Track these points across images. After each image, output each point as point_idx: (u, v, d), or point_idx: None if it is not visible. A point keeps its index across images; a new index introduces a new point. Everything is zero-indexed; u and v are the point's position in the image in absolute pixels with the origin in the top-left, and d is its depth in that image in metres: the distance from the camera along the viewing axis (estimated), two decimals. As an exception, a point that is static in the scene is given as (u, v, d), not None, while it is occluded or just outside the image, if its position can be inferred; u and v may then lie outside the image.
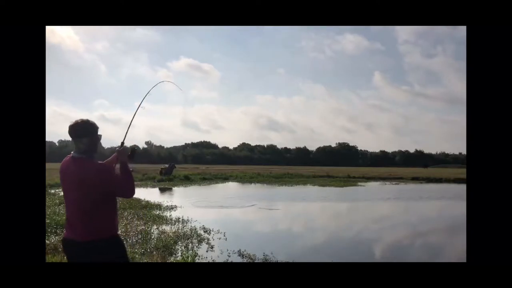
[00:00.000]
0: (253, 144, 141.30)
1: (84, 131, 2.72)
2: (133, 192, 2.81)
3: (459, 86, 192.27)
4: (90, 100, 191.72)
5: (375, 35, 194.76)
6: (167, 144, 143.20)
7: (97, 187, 2.66)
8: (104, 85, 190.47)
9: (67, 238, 2.78)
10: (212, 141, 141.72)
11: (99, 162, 2.83)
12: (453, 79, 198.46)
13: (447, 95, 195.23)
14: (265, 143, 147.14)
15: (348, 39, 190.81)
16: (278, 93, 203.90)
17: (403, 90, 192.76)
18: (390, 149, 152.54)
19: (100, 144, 2.87)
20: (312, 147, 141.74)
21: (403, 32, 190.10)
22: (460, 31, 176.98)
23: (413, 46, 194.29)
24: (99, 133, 2.82)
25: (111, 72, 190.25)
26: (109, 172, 2.73)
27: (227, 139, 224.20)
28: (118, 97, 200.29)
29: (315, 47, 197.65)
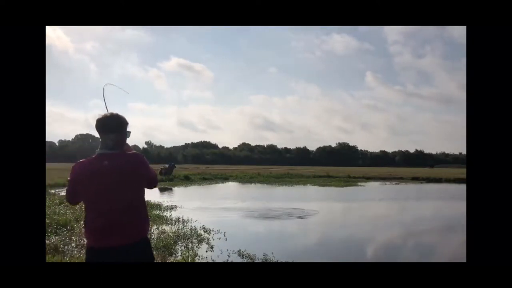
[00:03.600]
0: (252, 144, 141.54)
1: (114, 126, 2.50)
2: (157, 184, 2.73)
3: (451, 86, 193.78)
4: (85, 100, 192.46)
5: (364, 35, 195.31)
6: (164, 144, 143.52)
7: (142, 178, 2.52)
8: (97, 85, 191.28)
9: (106, 247, 2.45)
10: (211, 141, 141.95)
11: (135, 152, 2.60)
12: (445, 79, 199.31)
13: (440, 95, 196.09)
14: (262, 143, 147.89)
15: (337, 40, 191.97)
16: (272, 93, 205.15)
17: (396, 90, 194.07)
18: (387, 148, 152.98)
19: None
20: (310, 146, 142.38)
21: (392, 33, 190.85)
22: (448, 31, 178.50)
23: (402, 46, 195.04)
24: (128, 129, 2.63)
25: (103, 72, 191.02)
26: (147, 162, 2.56)
27: (225, 139, 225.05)
28: (113, 97, 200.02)
29: (304, 48, 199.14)
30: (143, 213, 2.58)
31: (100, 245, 2.47)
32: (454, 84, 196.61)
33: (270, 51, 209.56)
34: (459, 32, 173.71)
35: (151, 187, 2.65)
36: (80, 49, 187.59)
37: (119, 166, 2.42)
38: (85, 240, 2.60)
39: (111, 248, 2.45)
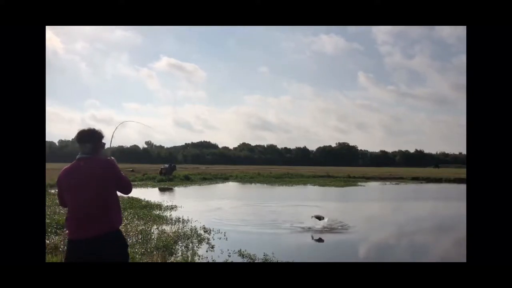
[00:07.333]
0: (252, 144, 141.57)
1: (88, 137, 2.98)
2: (131, 189, 3.11)
3: (443, 86, 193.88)
4: (81, 100, 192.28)
5: (353, 36, 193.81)
6: (161, 144, 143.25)
7: (109, 180, 2.91)
8: (92, 85, 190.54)
9: (77, 239, 2.84)
10: (211, 141, 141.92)
11: (107, 158, 3.05)
12: (436, 79, 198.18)
13: (433, 95, 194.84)
14: (259, 143, 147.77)
15: (326, 40, 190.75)
16: (266, 93, 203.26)
17: (389, 90, 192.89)
18: (384, 148, 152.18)
19: (105, 149, 3.14)
20: (309, 146, 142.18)
21: (380, 33, 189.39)
22: (436, 31, 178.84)
23: (392, 46, 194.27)
24: (104, 141, 3.07)
25: (96, 72, 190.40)
26: (116, 166, 2.99)
27: (222, 139, 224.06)
28: (107, 97, 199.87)
29: (294, 48, 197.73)
30: (113, 210, 2.95)
31: (73, 237, 2.88)
32: (446, 84, 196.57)
33: (259, 51, 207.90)
34: (447, 32, 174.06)
35: (124, 191, 3.06)
36: (71, 50, 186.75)
37: (92, 167, 2.90)
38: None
39: (81, 240, 2.82)
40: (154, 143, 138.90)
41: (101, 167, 2.92)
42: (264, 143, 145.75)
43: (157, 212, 11.25)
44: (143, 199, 14.30)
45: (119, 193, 3.07)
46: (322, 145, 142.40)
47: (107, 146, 3.19)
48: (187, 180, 28.22)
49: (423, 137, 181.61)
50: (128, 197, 14.01)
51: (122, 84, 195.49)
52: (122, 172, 3.04)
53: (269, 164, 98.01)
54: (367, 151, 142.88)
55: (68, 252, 2.93)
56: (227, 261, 6.17)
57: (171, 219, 10.04)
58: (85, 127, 3.06)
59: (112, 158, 3.11)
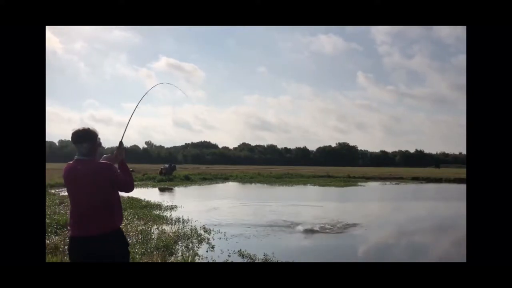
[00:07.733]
0: (252, 144, 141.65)
1: (84, 137, 2.98)
2: (133, 188, 3.10)
3: (442, 86, 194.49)
4: (80, 100, 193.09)
5: (351, 36, 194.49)
6: (161, 144, 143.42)
7: (104, 182, 2.91)
8: (91, 85, 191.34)
9: (77, 236, 2.88)
10: (211, 141, 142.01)
11: (102, 161, 3.07)
12: (435, 79, 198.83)
13: (432, 95, 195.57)
14: (258, 142, 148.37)
15: (325, 40, 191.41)
16: (265, 93, 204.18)
17: (388, 90, 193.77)
18: (384, 148, 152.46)
19: (102, 147, 3.15)
20: (309, 146, 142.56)
21: (379, 33, 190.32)
22: (435, 32, 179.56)
23: (390, 46, 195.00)
24: (99, 140, 3.07)
25: (95, 73, 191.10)
26: (112, 169, 2.99)
27: (221, 139, 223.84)
28: (106, 97, 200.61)
29: (292, 48, 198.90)
30: (112, 210, 2.98)
31: (74, 234, 2.93)
32: (446, 84, 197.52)
33: (258, 51, 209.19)
34: (446, 32, 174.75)
35: (125, 190, 3.07)
36: (69, 50, 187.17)
37: (89, 171, 2.91)
38: None
39: (81, 238, 2.87)
40: (154, 143, 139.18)
41: (100, 167, 2.95)
42: (264, 143, 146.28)
43: (157, 212, 11.25)
44: (143, 199, 14.30)
45: (120, 192, 3.08)
46: (322, 145, 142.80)
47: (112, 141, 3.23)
48: (187, 180, 28.22)
49: (423, 137, 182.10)
50: (128, 197, 14.02)
51: (121, 84, 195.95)
52: (132, 170, 3.04)
53: (269, 164, 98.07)
54: (367, 151, 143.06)
55: (69, 251, 2.98)
56: (227, 261, 6.17)
57: (171, 219, 10.04)
58: (79, 127, 3.05)
59: (123, 143, 3.23)
